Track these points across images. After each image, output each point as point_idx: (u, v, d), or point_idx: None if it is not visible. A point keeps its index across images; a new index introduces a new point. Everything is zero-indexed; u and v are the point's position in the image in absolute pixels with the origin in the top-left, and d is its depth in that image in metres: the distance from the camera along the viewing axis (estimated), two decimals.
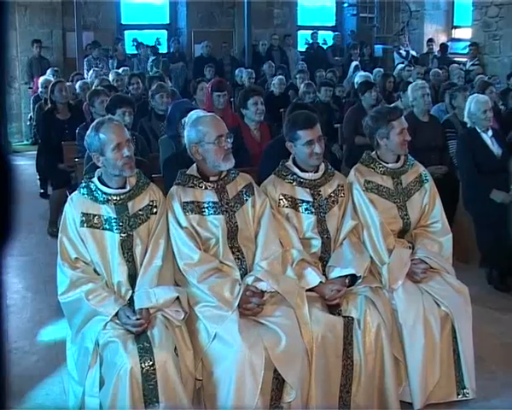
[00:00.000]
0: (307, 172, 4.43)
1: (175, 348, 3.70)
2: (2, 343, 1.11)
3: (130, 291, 3.89)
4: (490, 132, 6.67)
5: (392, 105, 7.73)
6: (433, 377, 4.26)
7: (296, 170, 4.43)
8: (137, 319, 3.73)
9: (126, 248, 3.93)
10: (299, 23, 17.67)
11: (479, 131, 6.63)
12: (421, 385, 4.22)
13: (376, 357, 4.10)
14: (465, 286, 4.50)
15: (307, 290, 4.12)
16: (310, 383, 3.93)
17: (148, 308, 3.80)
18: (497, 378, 4.73)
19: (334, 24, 18.58)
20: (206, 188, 4.14)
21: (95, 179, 3.99)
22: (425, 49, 16.64)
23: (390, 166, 4.70)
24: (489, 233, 6.31)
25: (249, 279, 4.00)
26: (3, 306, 1.10)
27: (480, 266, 6.50)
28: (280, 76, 11.06)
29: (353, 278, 4.27)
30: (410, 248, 4.57)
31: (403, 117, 4.73)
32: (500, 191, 6.33)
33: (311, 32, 17.27)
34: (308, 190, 4.40)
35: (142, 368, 3.56)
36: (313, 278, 4.16)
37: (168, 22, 16.72)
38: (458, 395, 4.37)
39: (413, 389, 4.23)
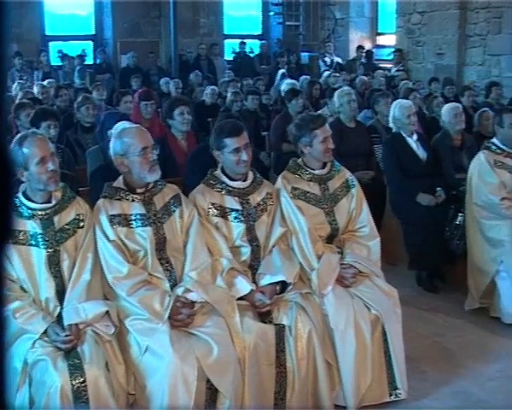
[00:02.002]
0: (236, 180, 4.44)
1: (106, 364, 3.66)
2: (2, 343, 1.10)
3: (59, 307, 3.82)
4: (415, 137, 6.79)
5: (318, 112, 7.81)
6: (365, 380, 4.31)
7: (225, 179, 4.43)
8: (67, 336, 3.67)
9: (53, 263, 3.86)
10: (225, 32, 17.70)
11: (404, 135, 6.74)
12: (354, 388, 4.27)
13: (309, 363, 4.13)
14: (394, 289, 4.58)
15: (238, 299, 4.13)
16: (243, 392, 3.93)
17: (77, 324, 3.74)
18: (427, 378, 4.81)
19: (260, 32, 18.70)
20: (133, 200, 4.10)
21: (19, 195, 3.91)
22: (351, 56, 16.88)
23: (316, 172, 4.74)
24: (416, 236, 6.41)
25: (179, 290, 3.98)
26: (4, 305, 1.09)
27: (408, 269, 6.58)
28: (213, 86, 11.03)
29: (283, 285, 4.30)
30: (338, 253, 4.62)
31: (326, 125, 4.78)
32: (425, 194, 6.45)
33: (238, 40, 17.34)
34: (237, 198, 4.41)
35: (73, 385, 3.50)
36: (243, 286, 4.17)
37: (94, 33, 16.54)
38: (391, 395, 4.44)
39: (346, 392, 4.28)
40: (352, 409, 4.28)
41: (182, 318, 3.88)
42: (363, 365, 4.28)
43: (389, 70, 15.11)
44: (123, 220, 4.04)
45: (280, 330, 4.10)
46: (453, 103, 7.57)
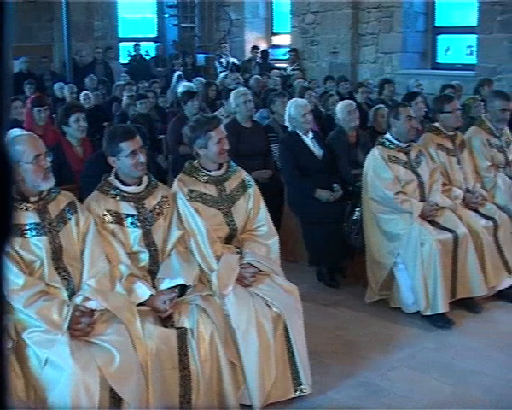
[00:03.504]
0: (130, 185, 4.40)
1: None
2: (2, 341, 1.05)
3: None
4: (310, 135, 6.88)
5: (215, 113, 7.82)
6: (269, 378, 4.34)
7: (119, 184, 4.38)
8: None
9: None
10: (120, 35, 17.45)
11: (300, 134, 6.82)
12: (258, 387, 4.30)
13: (212, 364, 4.13)
14: (295, 286, 4.63)
15: (138, 305, 4.10)
16: (148, 398, 3.89)
17: None
18: (331, 371, 4.89)
19: (156, 35, 18.60)
20: (26, 209, 3.99)
21: None
22: (247, 57, 16.98)
23: (212, 173, 4.75)
24: (315, 232, 6.50)
25: (78, 299, 3.91)
26: (4, 306, 1.05)
27: (309, 265, 6.67)
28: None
29: (183, 288, 4.29)
30: (238, 253, 4.64)
31: (221, 126, 4.80)
32: (323, 190, 6.54)
33: (133, 43, 17.18)
34: (132, 203, 4.36)
35: None
36: (143, 291, 4.14)
37: None
38: (296, 391, 4.48)
39: (251, 391, 4.30)
40: (258, 408, 4.31)
41: (81, 327, 3.80)
42: (266, 363, 4.31)
43: (285, 69, 15.29)
44: (17, 231, 3.92)
45: (182, 334, 4.09)
46: (347, 101, 7.71)
